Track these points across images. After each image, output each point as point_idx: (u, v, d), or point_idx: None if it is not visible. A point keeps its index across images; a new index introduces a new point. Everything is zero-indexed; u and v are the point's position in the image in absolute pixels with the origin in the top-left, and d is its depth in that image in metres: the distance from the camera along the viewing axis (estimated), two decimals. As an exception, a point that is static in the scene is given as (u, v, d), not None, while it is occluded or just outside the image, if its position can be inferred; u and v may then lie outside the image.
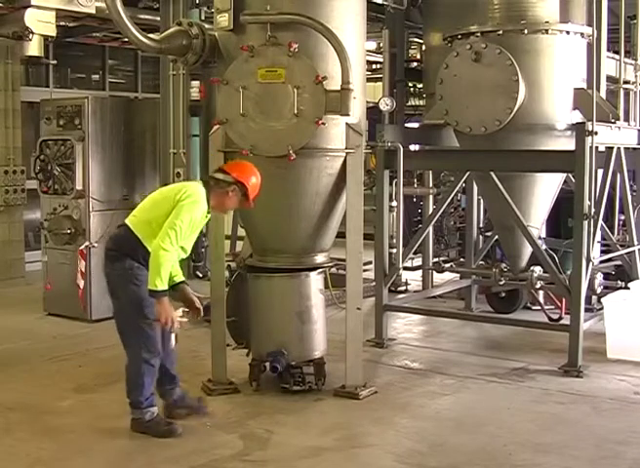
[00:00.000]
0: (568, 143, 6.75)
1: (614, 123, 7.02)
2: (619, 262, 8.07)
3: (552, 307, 8.01)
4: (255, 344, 5.95)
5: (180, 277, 5.24)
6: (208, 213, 5.14)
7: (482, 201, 8.63)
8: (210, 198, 5.09)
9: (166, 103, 8.83)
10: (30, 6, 7.45)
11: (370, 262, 7.96)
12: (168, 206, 4.95)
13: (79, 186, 8.19)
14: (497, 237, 8.17)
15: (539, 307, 8.10)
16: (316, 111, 5.50)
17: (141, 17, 9.42)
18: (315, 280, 6.02)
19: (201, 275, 9.62)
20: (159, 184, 8.92)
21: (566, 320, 6.87)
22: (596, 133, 6.44)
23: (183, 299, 5.23)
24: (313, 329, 6.01)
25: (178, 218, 4.86)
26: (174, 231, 4.83)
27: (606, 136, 6.88)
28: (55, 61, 10.49)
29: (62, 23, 9.91)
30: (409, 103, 10.62)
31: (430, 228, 8.63)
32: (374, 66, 13.43)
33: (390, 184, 7.74)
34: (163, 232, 4.83)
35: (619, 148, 7.39)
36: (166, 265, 4.81)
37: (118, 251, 5.05)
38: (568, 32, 6.89)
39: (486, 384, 6.29)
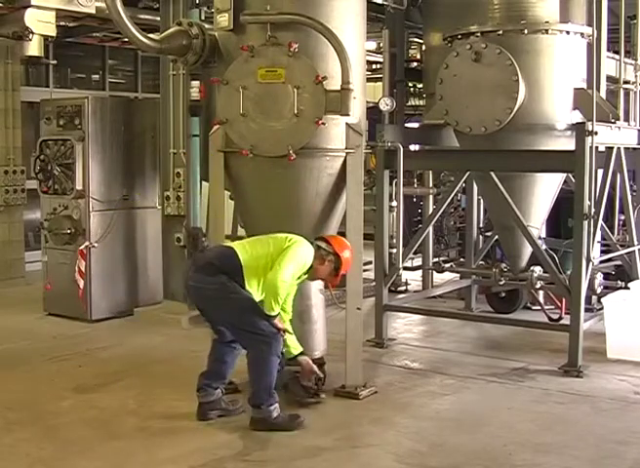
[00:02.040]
0: (568, 143, 6.75)
1: (614, 123, 7.02)
2: (619, 262, 8.07)
3: (552, 307, 8.01)
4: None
5: (297, 349, 5.54)
6: (305, 273, 5.40)
7: (482, 201, 8.63)
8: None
9: (166, 103, 8.82)
10: (30, 6, 7.43)
11: (370, 262, 7.96)
12: (279, 248, 5.26)
13: (79, 186, 8.20)
14: (497, 237, 8.17)
15: (539, 307, 8.10)
16: (316, 111, 5.50)
17: (141, 17, 9.41)
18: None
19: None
20: (159, 184, 8.94)
21: (566, 320, 6.87)
22: (596, 133, 6.44)
23: (305, 371, 5.63)
24: (313, 329, 6.01)
25: (293, 255, 5.21)
26: (290, 265, 5.17)
27: (606, 136, 6.87)
28: (55, 61, 10.47)
29: (62, 23, 9.90)
30: (409, 103, 10.60)
31: (430, 228, 8.63)
32: (374, 66, 13.42)
33: (390, 184, 7.74)
34: (280, 263, 5.15)
35: (619, 148, 7.39)
36: (282, 294, 5.16)
37: (217, 265, 5.26)
38: (568, 32, 6.89)
39: (486, 384, 6.29)
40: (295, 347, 5.54)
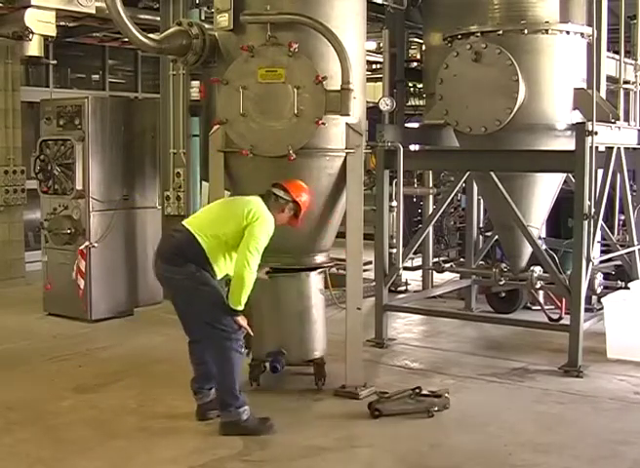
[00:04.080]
0: (568, 143, 6.75)
1: (614, 123, 7.02)
2: (619, 262, 8.07)
3: (552, 307, 8.01)
4: (255, 344, 5.94)
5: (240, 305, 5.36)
6: None
7: (482, 201, 8.62)
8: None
9: (166, 103, 8.83)
10: (30, 6, 7.44)
11: (370, 262, 7.96)
12: (238, 225, 5.15)
13: (79, 186, 8.20)
14: (497, 237, 8.17)
15: (539, 307, 8.10)
16: (316, 111, 5.50)
17: (141, 17, 9.42)
18: (315, 280, 6.02)
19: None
20: (159, 184, 8.94)
21: (566, 320, 6.87)
22: (596, 133, 6.44)
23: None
24: (313, 329, 6.01)
25: (257, 239, 5.11)
26: (256, 251, 5.09)
27: (606, 136, 6.87)
28: (55, 61, 10.47)
29: (62, 23, 9.90)
30: (409, 103, 10.61)
31: (430, 228, 8.63)
32: (374, 66, 13.43)
33: (390, 184, 7.74)
34: (246, 254, 5.06)
35: (619, 148, 7.39)
36: (249, 287, 5.08)
37: (181, 256, 5.17)
38: (568, 32, 6.89)
39: (486, 384, 6.29)
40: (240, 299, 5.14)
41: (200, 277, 5.13)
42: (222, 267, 5.25)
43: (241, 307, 5.11)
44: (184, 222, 5.39)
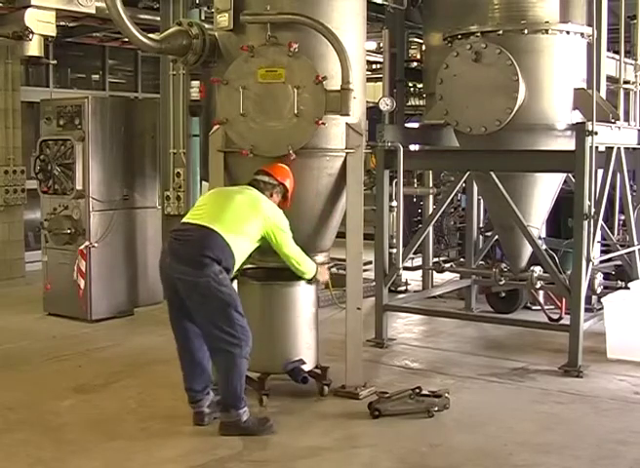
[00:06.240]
0: (568, 143, 6.75)
1: (614, 123, 7.02)
2: (619, 262, 8.07)
3: (552, 307, 8.01)
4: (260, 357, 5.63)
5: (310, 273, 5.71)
6: None
7: (482, 201, 8.63)
8: None
9: (166, 103, 8.84)
10: (30, 6, 7.43)
11: (370, 262, 7.96)
12: (260, 226, 5.29)
13: (79, 186, 8.20)
14: (497, 237, 8.17)
15: (539, 307, 8.10)
16: (316, 111, 5.49)
17: (141, 17, 9.42)
18: (309, 288, 5.93)
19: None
20: (159, 184, 8.94)
21: (566, 320, 6.88)
22: (596, 133, 6.44)
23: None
24: (313, 335, 5.96)
25: (284, 230, 5.38)
26: (290, 240, 5.42)
27: (606, 136, 6.87)
28: (55, 61, 10.45)
29: (62, 23, 9.90)
30: (409, 103, 10.61)
31: (430, 228, 8.63)
32: (374, 66, 13.43)
33: (390, 184, 7.74)
34: (281, 246, 5.39)
35: (619, 148, 7.39)
36: (300, 256, 5.50)
37: (207, 255, 5.04)
38: (568, 32, 6.88)
39: (486, 384, 6.29)
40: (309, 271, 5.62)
41: (222, 279, 5.05)
42: (242, 262, 5.29)
43: (309, 275, 5.59)
44: (191, 220, 5.28)
